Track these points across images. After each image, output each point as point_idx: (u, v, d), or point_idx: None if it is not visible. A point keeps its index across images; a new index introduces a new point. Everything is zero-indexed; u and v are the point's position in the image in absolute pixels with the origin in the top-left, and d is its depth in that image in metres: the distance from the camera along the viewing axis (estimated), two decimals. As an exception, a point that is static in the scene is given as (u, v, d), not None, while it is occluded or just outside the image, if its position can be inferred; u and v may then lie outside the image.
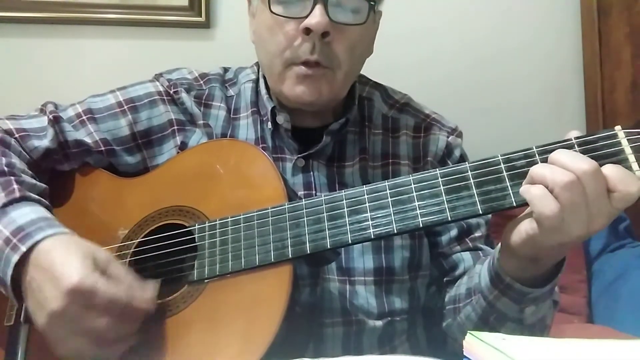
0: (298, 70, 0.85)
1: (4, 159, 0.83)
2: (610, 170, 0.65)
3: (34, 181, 0.84)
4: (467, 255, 0.94)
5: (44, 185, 0.85)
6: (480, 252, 0.95)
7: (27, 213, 0.76)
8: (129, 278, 0.72)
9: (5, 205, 0.76)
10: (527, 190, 0.67)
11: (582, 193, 0.64)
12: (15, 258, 0.71)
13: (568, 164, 0.65)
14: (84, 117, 0.93)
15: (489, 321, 0.81)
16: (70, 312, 0.68)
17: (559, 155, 0.66)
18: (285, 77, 0.87)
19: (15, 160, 0.85)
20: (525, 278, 0.75)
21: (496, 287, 0.77)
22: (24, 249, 0.71)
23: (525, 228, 0.70)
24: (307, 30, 0.83)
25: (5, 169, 0.81)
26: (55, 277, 0.69)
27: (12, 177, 0.80)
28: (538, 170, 0.66)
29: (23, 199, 0.78)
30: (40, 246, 0.72)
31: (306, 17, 0.83)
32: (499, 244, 0.77)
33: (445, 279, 0.95)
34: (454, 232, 0.95)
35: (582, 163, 0.64)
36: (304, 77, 0.86)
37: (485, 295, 0.80)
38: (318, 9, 0.82)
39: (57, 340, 0.71)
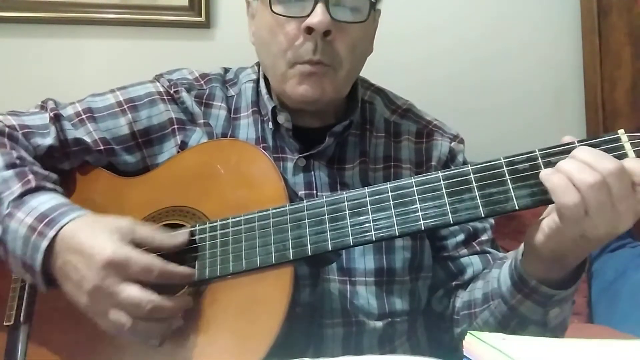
0: (302, 69, 0.85)
1: (14, 152, 0.84)
2: (632, 164, 0.65)
3: (46, 172, 0.85)
4: (475, 259, 0.94)
5: (55, 175, 0.86)
6: (488, 255, 0.95)
7: (47, 200, 0.78)
8: (157, 237, 0.76)
9: (23, 194, 0.78)
10: (548, 179, 0.67)
11: (609, 193, 0.64)
12: (44, 244, 0.73)
13: (594, 164, 0.65)
14: (84, 116, 0.93)
15: (510, 326, 0.80)
16: (107, 284, 0.71)
17: (584, 153, 0.66)
18: (288, 77, 0.87)
19: (24, 154, 0.86)
20: (551, 280, 0.75)
21: (520, 291, 0.77)
22: (52, 233, 0.74)
23: (547, 223, 0.71)
24: (309, 30, 0.83)
25: (17, 161, 0.82)
26: (88, 256, 0.72)
27: (26, 168, 0.82)
28: (565, 166, 0.66)
29: (39, 188, 0.80)
30: (66, 229, 0.74)
31: (307, 16, 0.82)
32: (520, 248, 0.77)
33: (453, 283, 0.95)
34: (460, 236, 0.95)
35: (607, 163, 0.64)
36: (307, 75, 0.85)
37: (507, 299, 0.79)
38: (319, 7, 0.82)
39: (99, 316, 0.73)
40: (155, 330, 0.73)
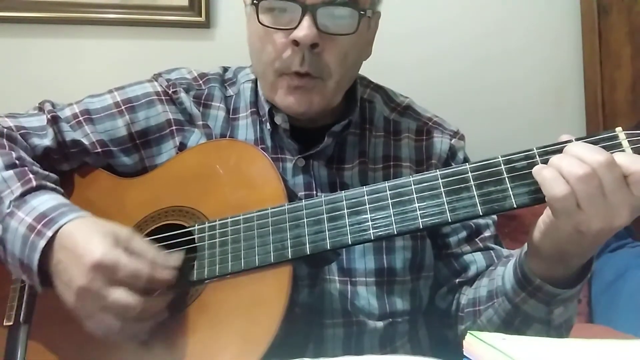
0: (289, 81, 0.85)
1: (13, 153, 0.84)
2: (621, 157, 0.66)
3: (46, 172, 0.85)
4: (478, 256, 0.94)
5: (55, 176, 0.86)
6: (491, 251, 0.95)
7: (47, 200, 0.78)
8: (151, 251, 0.75)
9: (24, 194, 0.78)
10: (539, 172, 0.68)
11: (599, 185, 0.64)
12: (42, 243, 0.73)
13: (584, 157, 0.65)
14: (81, 118, 0.92)
15: (514, 324, 0.81)
16: (95, 287, 0.70)
17: (576, 148, 0.67)
18: (277, 87, 0.87)
19: (23, 154, 0.86)
20: (555, 279, 0.75)
21: (524, 289, 0.77)
22: (50, 233, 0.73)
23: (542, 219, 0.71)
24: (296, 42, 0.82)
25: (17, 161, 0.82)
26: (79, 255, 0.71)
27: (26, 168, 0.82)
28: (556, 160, 0.67)
29: (40, 187, 0.80)
30: (64, 229, 0.74)
31: (294, 28, 0.82)
32: (524, 246, 0.77)
33: (457, 280, 0.94)
34: (463, 233, 0.95)
35: (597, 156, 0.65)
36: (294, 88, 0.85)
37: (511, 297, 0.80)
38: (306, 20, 0.81)
39: (87, 318, 0.73)
40: (144, 329, 0.73)
